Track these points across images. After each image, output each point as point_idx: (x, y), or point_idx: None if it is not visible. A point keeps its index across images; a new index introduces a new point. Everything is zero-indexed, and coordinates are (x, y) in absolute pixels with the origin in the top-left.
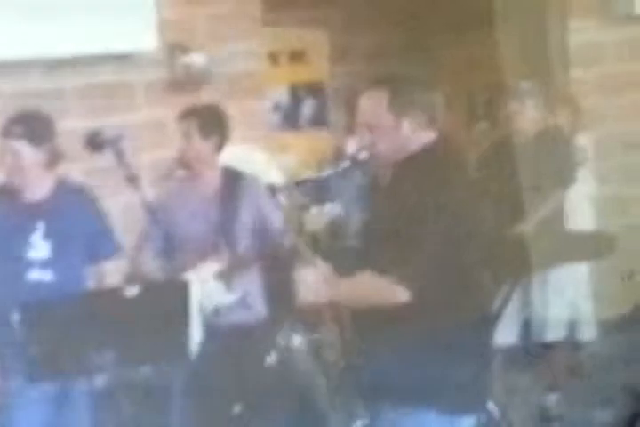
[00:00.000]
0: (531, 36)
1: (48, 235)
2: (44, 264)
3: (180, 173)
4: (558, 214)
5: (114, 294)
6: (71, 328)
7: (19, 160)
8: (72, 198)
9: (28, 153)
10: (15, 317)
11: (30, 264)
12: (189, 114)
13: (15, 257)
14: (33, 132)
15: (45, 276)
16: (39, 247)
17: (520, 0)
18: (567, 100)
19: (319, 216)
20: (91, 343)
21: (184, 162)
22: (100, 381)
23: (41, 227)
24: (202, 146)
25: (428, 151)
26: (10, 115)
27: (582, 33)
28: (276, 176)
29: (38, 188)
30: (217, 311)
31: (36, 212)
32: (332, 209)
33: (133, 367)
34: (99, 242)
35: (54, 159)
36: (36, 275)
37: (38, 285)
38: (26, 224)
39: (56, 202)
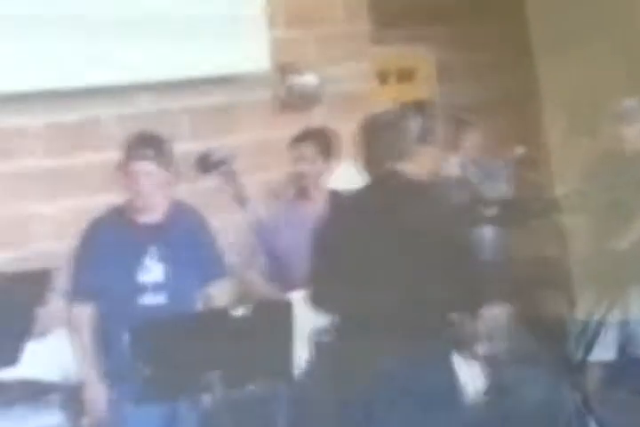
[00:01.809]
0: (633, 52)
1: (162, 258)
2: (158, 287)
3: (290, 193)
4: None
5: (221, 314)
6: (179, 348)
7: (149, 182)
8: (184, 220)
9: (158, 175)
10: (125, 337)
11: (144, 287)
12: (309, 137)
13: (130, 280)
14: (161, 154)
15: (158, 299)
16: (153, 270)
17: (622, 18)
18: None
19: None
20: (198, 363)
21: (299, 184)
22: (207, 400)
23: (155, 249)
24: (321, 169)
25: None
26: (138, 138)
27: None
28: None
29: (156, 210)
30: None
31: (151, 234)
32: None
33: (240, 386)
34: (209, 264)
35: (174, 181)
36: (149, 298)
37: (151, 308)
38: (141, 247)
39: (170, 224)
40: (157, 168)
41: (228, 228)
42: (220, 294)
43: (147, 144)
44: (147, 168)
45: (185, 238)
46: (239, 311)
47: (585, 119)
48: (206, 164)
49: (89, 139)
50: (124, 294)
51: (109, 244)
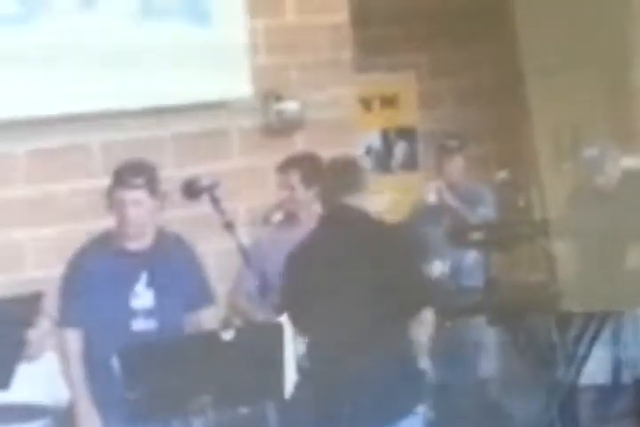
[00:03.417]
0: (618, 79)
1: (151, 284)
2: (148, 313)
3: (278, 218)
4: None
5: (211, 337)
6: (169, 372)
7: (139, 210)
8: (171, 247)
9: (147, 203)
10: (115, 361)
11: (134, 313)
12: (290, 165)
13: (121, 306)
14: (150, 182)
15: (148, 325)
16: (143, 297)
17: (607, 48)
18: None
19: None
20: (188, 387)
21: (285, 210)
22: (198, 423)
23: (144, 276)
24: (304, 195)
25: None
26: (127, 166)
27: None
28: None
29: (144, 237)
30: None
31: (140, 261)
32: None
33: (230, 409)
34: (196, 291)
35: (160, 208)
36: (139, 324)
37: (141, 334)
38: (133, 273)
39: (157, 251)
40: (147, 196)
41: (215, 254)
42: (207, 320)
43: (136, 172)
44: (136, 197)
45: (172, 265)
46: (229, 335)
47: (568, 146)
48: (192, 190)
49: (74, 165)
50: (114, 320)
51: (99, 270)
